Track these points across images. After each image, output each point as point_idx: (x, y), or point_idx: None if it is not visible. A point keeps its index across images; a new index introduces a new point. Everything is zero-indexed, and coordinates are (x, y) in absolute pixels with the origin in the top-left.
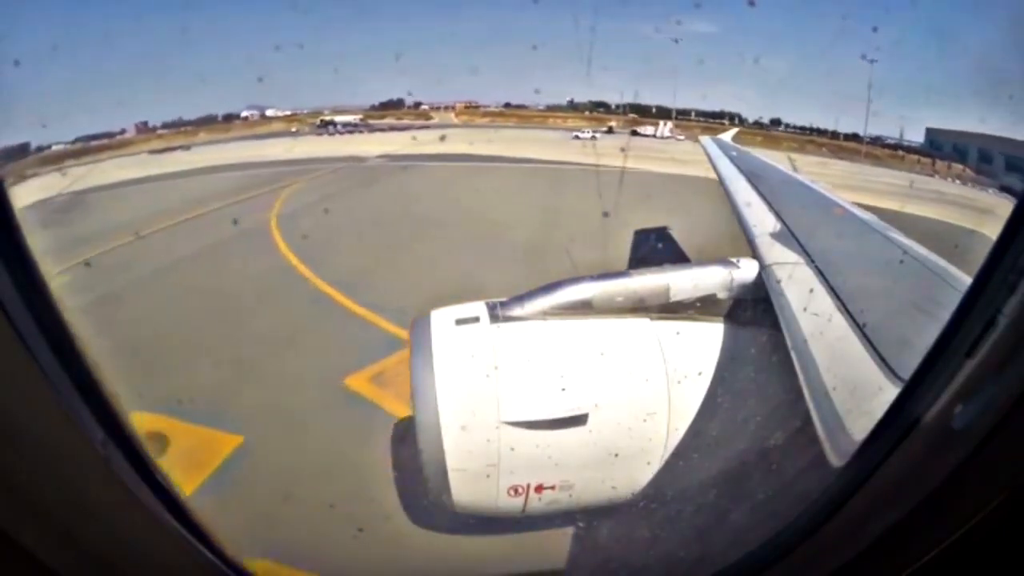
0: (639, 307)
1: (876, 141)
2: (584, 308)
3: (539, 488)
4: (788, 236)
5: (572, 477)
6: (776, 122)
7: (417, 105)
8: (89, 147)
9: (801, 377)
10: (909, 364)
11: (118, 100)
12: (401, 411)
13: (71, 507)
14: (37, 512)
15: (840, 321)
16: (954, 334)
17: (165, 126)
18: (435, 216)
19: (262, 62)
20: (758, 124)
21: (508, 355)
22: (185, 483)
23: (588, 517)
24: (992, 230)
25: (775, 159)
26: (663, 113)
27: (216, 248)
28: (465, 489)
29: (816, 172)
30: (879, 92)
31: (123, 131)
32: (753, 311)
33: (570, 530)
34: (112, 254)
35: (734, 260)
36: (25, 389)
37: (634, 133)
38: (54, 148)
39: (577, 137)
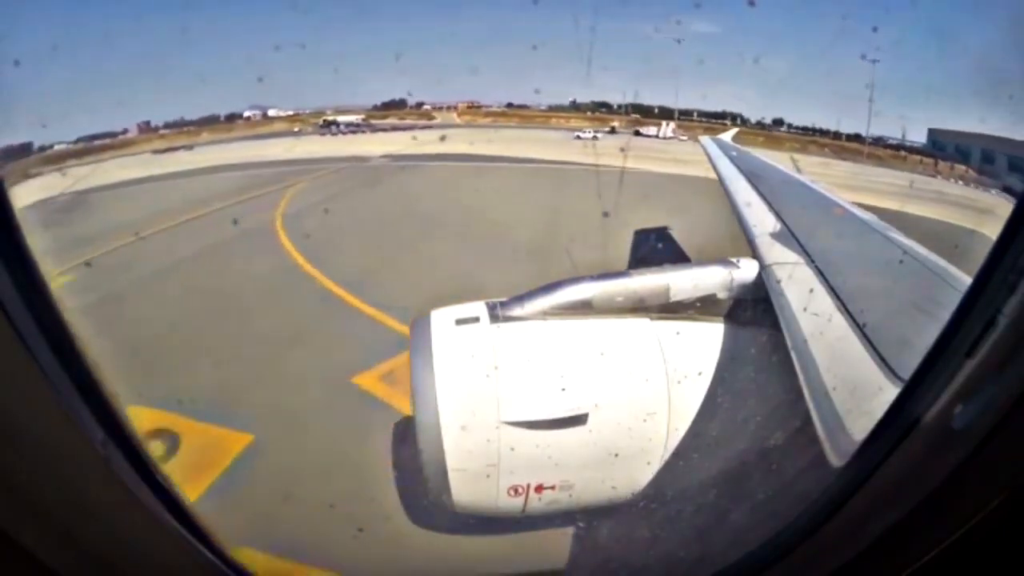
0: (639, 307)
1: (878, 142)
2: (584, 308)
3: (539, 488)
4: (788, 236)
5: (572, 477)
6: (778, 122)
7: (419, 105)
8: (92, 147)
9: (801, 377)
10: (909, 364)
11: (120, 100)
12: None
13: (71, 507)
14: (37, 512)
15: (840, 321)
16: (954, 334)
17: (167, 126)
18: (439, 216)
19: (264, 62)
20: (760, 124)
21: (508, 355)
22: (196, 481)
23: (588, 517)
24: (992, 230)
25: (777, 160)
26: (665, 113)
27: (223, 247)
28: (465, 489)
29: (819, 173)
30: (880, 92)
31: (125, 131)
32: (753, 311)
33: (570, 530)
34: (116, 254)
35: (734, 260)
36: (25, 389)
37: (637, 133)
38: (56, 148)
39: (578, 137)
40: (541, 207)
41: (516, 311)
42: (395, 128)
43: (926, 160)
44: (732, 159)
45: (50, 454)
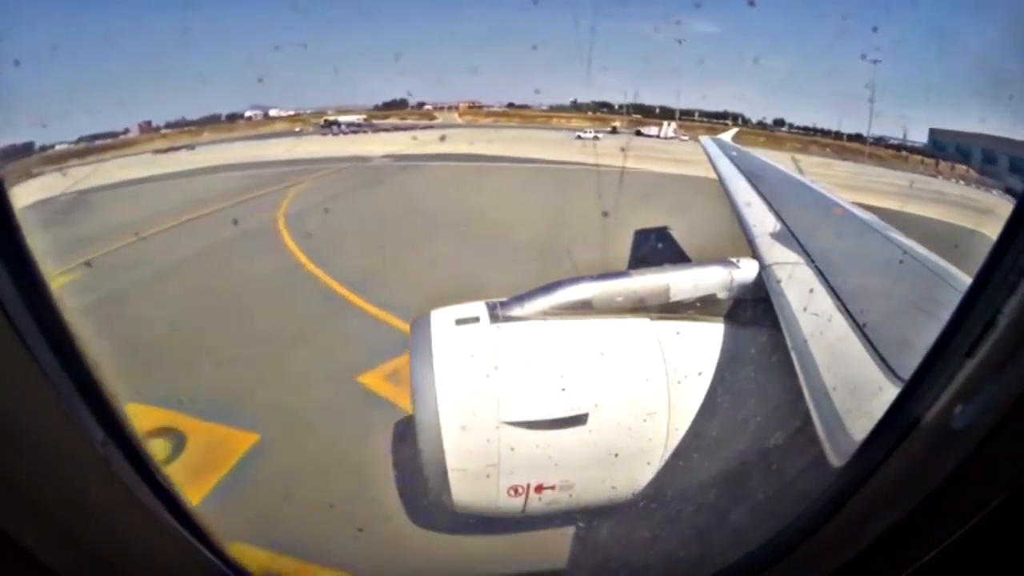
0: (639, 307)
1: (880, 142)
2: (584, 308)
3: (539, 488)
4: (788, 236)
5: (572, 477)
6: (779, 123)
7: (421, 105)
8: (93, 147)
9: (801, 377)
10: (909, 364)
11: (121, 100)
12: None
13: (71, 507)
14: (37, 512)
15: (840, 321)
16: (954, 334)
17: (169, 126)
18: (442, 215)
19: (265, 62)
20: (761, 125)
21: (508, 355)
22: (203, 479)
23: (588, 517)
24: (992, 230)
25: (779, 160)
26: (666, 114)
27: (225, 247)
28: (465, 489)
29: (820, 173)
30: (880, 92)
31: (127, 131)
32: (753, 311)
33: (570, 530)
34: (117, 254)
35: (734, 260)
36: (25, 389)
37: (638, 133)
38: (57, 148)
39: (579, 137)
40: (542, 207)
41: (516, 311)
42: (396, 128)
43: (927, 160)
44: (732, 159)
45: (50, 454)
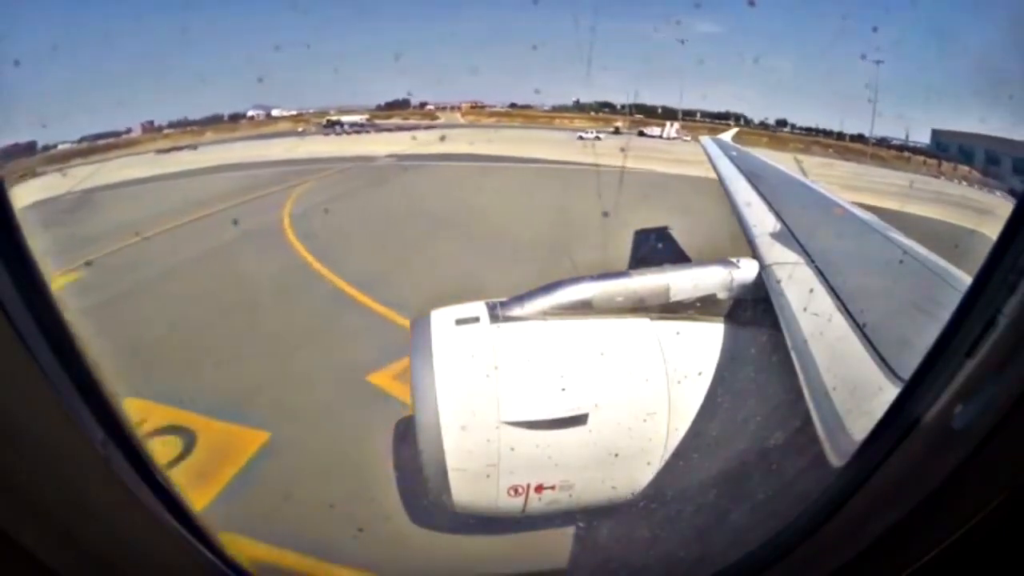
0: (639, 307)
1: (882, 142)
2: (584, 308)
3: (539, 488)
4: (788, 236)
5: (572, 477)
6: (781, 123)
7: (423, 105)
8: (95, 147)
9: (801, 377)
10: (909, 364)
11: (123, 100)
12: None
13: (71, 507)
14: (37, 512)
15: (840, 321)
16: (954, 334)
17: (171, 126)
18: (445, 215)
19: (267, 62)
20: (763, 125)
21: (508, 355)
22: (213, 478)
23: (588, 517)
24: (992, 230)
25: (781, 160)
26: (668, 114)
27: (232, 247)
28: (465, 489)
29: (822, 173)
30: (880, 92)
31: (129, 131)
32: (753, 311)
33: (570, 530)
34: (120, 254)
35: (734, 260)
36: (25, 389)
37: (640, 134)
38: (59, 148)
39: (581, 138)
40: (543, 207)
41: (516, 311)
42: (399, 128)
43: (930, 161)
44: (732, 159)
45: (50, 454)
